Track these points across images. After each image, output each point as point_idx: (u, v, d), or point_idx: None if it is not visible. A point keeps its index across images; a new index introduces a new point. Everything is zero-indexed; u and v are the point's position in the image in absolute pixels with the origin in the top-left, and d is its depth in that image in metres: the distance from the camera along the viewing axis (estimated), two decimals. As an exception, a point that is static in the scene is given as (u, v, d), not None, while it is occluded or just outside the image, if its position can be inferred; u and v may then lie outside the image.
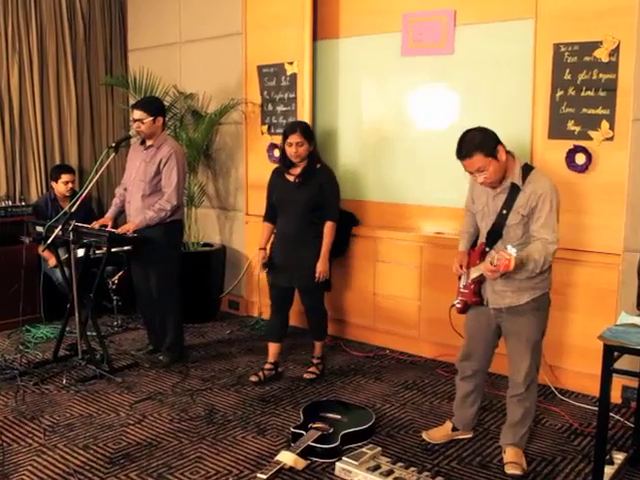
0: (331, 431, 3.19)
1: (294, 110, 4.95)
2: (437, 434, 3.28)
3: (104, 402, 3.73)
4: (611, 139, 3.60)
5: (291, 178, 3.95)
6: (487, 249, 2.95)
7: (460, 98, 4.29)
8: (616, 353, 2.54)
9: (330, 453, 3.06)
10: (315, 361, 4.17)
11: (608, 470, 2.69)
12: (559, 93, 3.74)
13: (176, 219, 4.24)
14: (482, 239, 3.01)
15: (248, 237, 5.36)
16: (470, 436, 3.29)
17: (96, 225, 4.18)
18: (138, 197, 4.17)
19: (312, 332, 4.19)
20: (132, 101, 5.22)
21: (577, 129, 3.70)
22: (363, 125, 4.79)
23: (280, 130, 5.03)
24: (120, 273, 5.00)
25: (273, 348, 4.12)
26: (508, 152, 2.86)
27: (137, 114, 4.11)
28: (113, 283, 5.02)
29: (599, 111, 3.62)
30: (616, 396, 3.62)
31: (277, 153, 5.04)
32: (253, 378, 4.02)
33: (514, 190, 2.84)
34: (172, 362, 4.33)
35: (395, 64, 4.53)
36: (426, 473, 2.89)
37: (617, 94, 3.54)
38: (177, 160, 4.12)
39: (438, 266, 4.24)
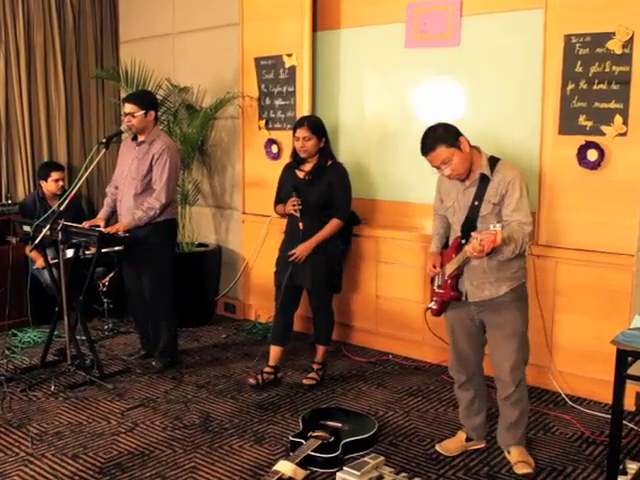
0: (332, 440, 3.19)
1: (293, 104, 4.95)
2: (451, 445, 3.28)
3: (94, 409, 3.73)
4: (624, 134, 3.60)
5: (301, 174, 3.99)
6: (463, 241, 3.02)
7: (466, 92, 4.29)
8: (630, 358, 2.54)
9: (331, 463, 3.05)
10: (315, 366, 4.17)
11: (621, 480, 2.70)
12: (570, 86, 3.74)
13: (170, 218, 4.24)
14: (456, 234, 3.09)
15: (245, 237, 5.36)
16: (484, 445, 3.29)
17: (87, 226, 4.17)
18: (130, 195, 4.16)
19: (317, 335, 4.19)
20: (123, 95, 5.22)
21: (589, 124, 3.70)
22: (365, 120, 4.79)
23: (278, 125, 5.07)
24: (111, 274, 5.01)
25: (275, 351, 4.12)
26: (473, 146, 3.00)
27: (128, 108, 4.11)
28: (104, 285, 5.02)
29: (612, 105, 3.62)
30: (630, 403, 3.63)
31: (275, 149, 5.08)
32: (251, 380, 4.03)
33: (484, 181, 2.97)
34: (165, 368, 4.33)
35: (399, 56, 4.53)
36: (431, 484, 2.90)
37: (631, 87, 3.54)
38: (169, 156, 4.12)
39: (443, 267, 4.24)
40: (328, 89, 4.92)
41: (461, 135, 2.96)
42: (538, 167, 3.89)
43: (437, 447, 3.29)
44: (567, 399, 3.83)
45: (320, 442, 3.14)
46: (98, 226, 4.20)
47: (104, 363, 4.37)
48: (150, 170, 4.13)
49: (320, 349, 4.18)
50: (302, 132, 3.89)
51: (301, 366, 4.37)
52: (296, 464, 2.99)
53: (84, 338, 4.24)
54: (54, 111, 5.84)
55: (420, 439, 3.40)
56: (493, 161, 3.00)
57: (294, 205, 3.90)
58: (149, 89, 5.06)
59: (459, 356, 3.20)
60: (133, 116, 4.09)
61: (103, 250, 4.03)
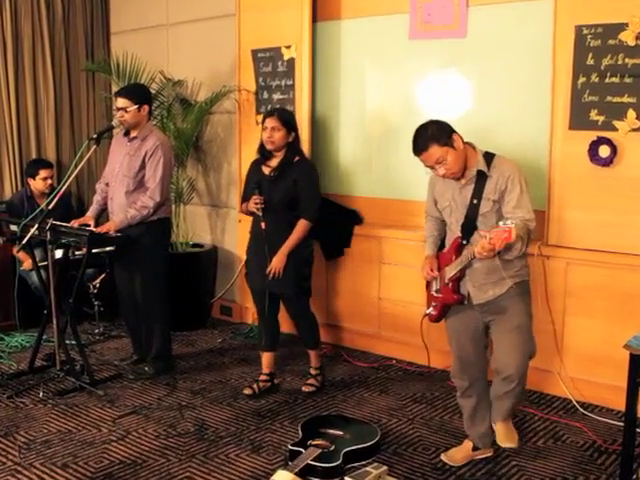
0: (332, 448, 3.19)
1: (292, 98, 4.95)
2: (457, 455, 3.27)
3: (84, 417, 3.73)
4: (638, 130, 3.59)
5: (267, 170, 3.93)
6: (464, 242, 3.02)
7: (473, 85, 4.29)
8: (643, 363, 2.55)
9: (331, 473, 3.05)
10: (313, 372, 4.16)
11: (635, 491, 2.69)
12: (581, 80, 3.73)
13: (163, 217, 4.24)
14: (454, 235, 3.09)
15: (241, 237, 5.35)
16: (491, 454, 3.29)
17: (76, 224, 4.17)
18: (122, 193, 4.16)
19: (305, 342, 4.18)
20: (115, 88, 5.22)
21: (601, 119, 3.70)
22: (367, 115, 4.79)
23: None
24: (102, 276, 5.00)
25: (266, 358, 4.11)
26: (467, 143, 3.00)
27: (120, 102, 4.10)
28: (94, 287, 5.02)
29: (625, 99, 3.61)
30: (643, 410, 3.63)
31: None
32: (247, 391, 4.02)
33: (481, 177, 2.97)
34: (158, 373, 4.33)
35: (402, 48, 4.52)
36: (436, 494, 2.90)
37: (644, 81, 3.54)
38: (163, 153, 4.12)
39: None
40: (328, 82, 4.92)
41: (454, 132, 2.97)
42: (547, 164, 3.89)
43: (443, 457, 3.28)
44: (578, 406, 3.83)
45: (320, 451, 3.14)
46: (88, 225, 4.20)
47: (95, 368, 4.37)
48: (143, 167, 4.13)
49: (312, 354, 4.16)
50: (271, 122, 3.83)
51: (300, 371, 4.36)
52: (295, 474, 2.98)
53: (74, 342, 4.23)
54: (42, 105, 5.84)
55: (425, 448, 3.39)
56: (489, 157, 3.02)
57: (256, 203, 3.81)
58: (142, 83, 5.05)
59: (463, 361, 3.20)
60: (126, 111, 4.08)
61: (94, 250, 4.03)
